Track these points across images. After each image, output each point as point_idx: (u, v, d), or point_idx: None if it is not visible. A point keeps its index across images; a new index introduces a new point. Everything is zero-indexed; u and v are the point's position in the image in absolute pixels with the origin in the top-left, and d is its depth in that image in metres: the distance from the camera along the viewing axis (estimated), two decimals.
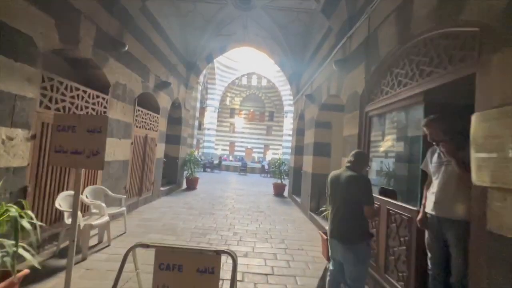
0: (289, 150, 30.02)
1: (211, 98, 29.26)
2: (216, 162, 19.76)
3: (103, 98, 4.33)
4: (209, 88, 29.00)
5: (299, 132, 8.98)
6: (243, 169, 18.49)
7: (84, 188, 4.00)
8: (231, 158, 33.42)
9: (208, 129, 29.31)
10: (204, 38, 8.52)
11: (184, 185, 9.74)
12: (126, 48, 4.61)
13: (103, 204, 3.70)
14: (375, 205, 2.50)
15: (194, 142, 19.50)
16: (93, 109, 4.09)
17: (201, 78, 19.64)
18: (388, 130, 3.27)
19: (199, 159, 19.34)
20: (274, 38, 8.67)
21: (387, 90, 3.10)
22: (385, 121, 3.28)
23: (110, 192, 4.30)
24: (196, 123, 19.74)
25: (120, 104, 4.86)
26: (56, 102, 3.34)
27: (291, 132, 29.81)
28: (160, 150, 7.16)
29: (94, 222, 3.31)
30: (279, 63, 9.83)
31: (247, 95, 38.60)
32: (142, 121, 5.89)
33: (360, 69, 3.80)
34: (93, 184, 4.25)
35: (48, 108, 3.23)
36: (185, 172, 9.75)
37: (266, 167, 18.09)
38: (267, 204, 7.67)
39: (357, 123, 3.76)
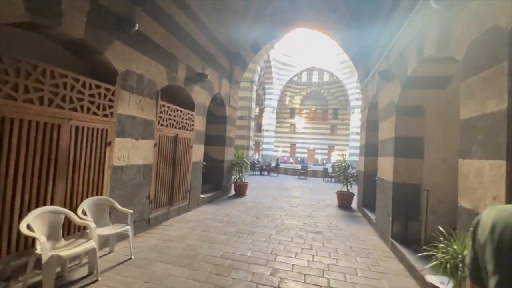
0: (357, 151, 26.56)
1: (269, 99, 28.40)
2: (273, 164, 18.53)
3: (107, 89, 3.53)
4: (267, 88, 28.22)
5: (370, 126, 6.86)
6: (303, 173, 16.68)
7: (81, 200, 3.23)
8: (291, 160, 31.80)
9: (267, 130, 28.53)
10: (247, 23, 7.36)
11: (233, 191, 8.76)
12: (137, 28, 3.75)
13: (92, 224, 2.80)
14: None
15: (251, 144, 18.78)
16: (91, 102, 3.30)
17: (256, 77, 18.83)
18: None
19: (255, 161, 18.51)
20: (331, 9, 6.85)
21: None
22: None
23: (118, 205, 3.45)
24: (253, 124, 19.00)
25: (135, 97, 4.05)
26: (27, 91, 2.59)
27: (359, 130, 26.33)
28: (197, 152, 6.28)
29: (65, 253, 2.39)
30: (341, 41, 7.88)
31: (307, 93, 36.42)
32: (170, 119, 5.05)
33: None
34: (97, 194, 3.48)
35: (13, 99, 2.48)
36: (233, 177, 8.77)
37: (330, 170, 15.83)
38: (328, 221, 5.89)
39: (503, 89, 1.82)
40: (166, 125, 4.93)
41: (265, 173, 17.51)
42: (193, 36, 5.67)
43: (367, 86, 7.02)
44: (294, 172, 18.56)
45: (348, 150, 28.85)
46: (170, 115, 5.02)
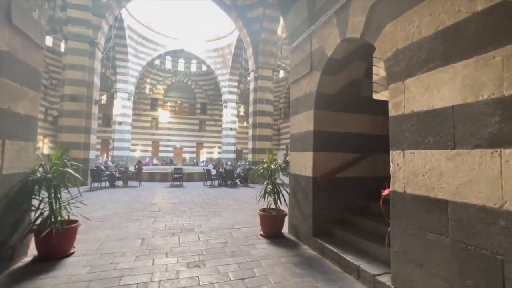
0: (231, 148, 24.96)
1: (123, 81, 21.40)
2: (132, 169, 12.96)
3: None
4: (119, 67, 21.07)
5: (327, 103, 4.18)
6: (178, 177, 12.44)
7: None
8: (155, 161, 26.06)
9: (120, 123, 21.35)
10: None
11: (33, 251, 3.51)
12: None
13: None
14: None
15: (94, 140, 12.22)
16: None
17: (101, 39, 12.42)
18: None
19: (101, 167, 12.06)
20: None
21: None
22: None
23: None
24: (96, 109, 12.42)
25: None
26: None
27: (232, 125, 24.77)
28: None
29: None
30: None
31: (172, 82, 31.51)
32: None
33: None
34: None
35: None
36: (33, 215, 3.53)
37: (214, 172, 12.61)
38: None
39: None
40: None
41: (118, 183, 11.73)
42: None
43: (313, 34, 4.28)
44: (163, 178, 13.90)
45: (221, 148, 26.97)
46: None
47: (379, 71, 5.52)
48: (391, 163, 2.67)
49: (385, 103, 4.85)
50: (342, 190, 4.23)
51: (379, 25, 2.87)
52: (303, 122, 4.53)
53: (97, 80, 12.29)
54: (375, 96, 4.90)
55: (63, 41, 12.12)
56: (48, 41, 20.59)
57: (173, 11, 22.59)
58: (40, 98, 17.83)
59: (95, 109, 12.19)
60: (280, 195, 4.66)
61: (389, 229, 2.71)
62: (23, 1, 3.22)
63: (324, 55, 3.98)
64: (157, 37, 22.13)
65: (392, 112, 2.67)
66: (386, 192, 2.74)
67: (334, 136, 4.25)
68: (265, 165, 4.79)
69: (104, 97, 27.25)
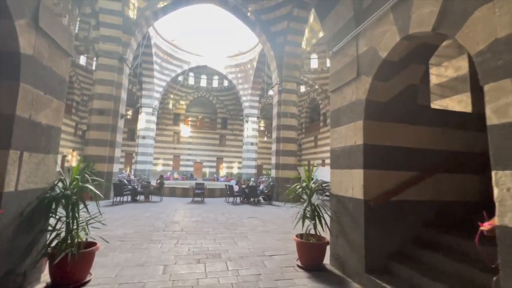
0: (252, 163, 24.46)
1: (148, 96, 22.02)
2: (154, 183, 12.79)
3: None
4: (145, 83, 21.76)
5: (379, 113, 3.58)
6: (199, 193, 12.05)
7: None
8: (176, 175, 26.11)
9: (144, 137, 21.72)
10: None
11: (45, 278, 3.13)
12: None
13: None
14: None
15: (118, 154, 12.27)
16: None
17: (130, 56, 12.78)
18: None
19: (124, 180, 11.94)
20: None
21: None
22: None
23: None
24: (122, 123, 12.57)
25: None
26: None
27: (254, 140, 24.42)
28: None
29: None
30: None
31: (194, 98, 32.14)
32: None
33: None
34: None
35: None
36: (49, 237, 3.18)
37: (236, 188, 12.08)
38: None
39: None
40: None
41: (139, 198, 11.52)
42: None
43: (360, 36, 3.77)
44: (184, 193, 13.58)
45: (242, 163, 26.57)
46: None
47: (432, 78, 4.85)
48: (495, 187, 1.99)
49: (445, 113, 4.17)
50: (399, 217, 3.51)
51: (463, 11, 2.30)
52: (347, 135, 3.93)
53: (124, 95, 12.52)
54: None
55: (95, 59, 12.64)
56: (82, 60, 21.91)
57: (197, 29, 23.36)
58: (71, 113, 18.59)
59: (120, 123, 12.33)
60: (322, 219, 3.99)
61: (494, 278, 1.99)
62: (52, 4, 3.04)
63: (376, 57, 3.43)
64: (181, 54, 22.80)
65: (493, 120, 2.03)
66: (487, 226, 2.04)
67: (388, 151, 3.60)
68: (304, 184, 4.18)
69: (130, 112, 28.29)
